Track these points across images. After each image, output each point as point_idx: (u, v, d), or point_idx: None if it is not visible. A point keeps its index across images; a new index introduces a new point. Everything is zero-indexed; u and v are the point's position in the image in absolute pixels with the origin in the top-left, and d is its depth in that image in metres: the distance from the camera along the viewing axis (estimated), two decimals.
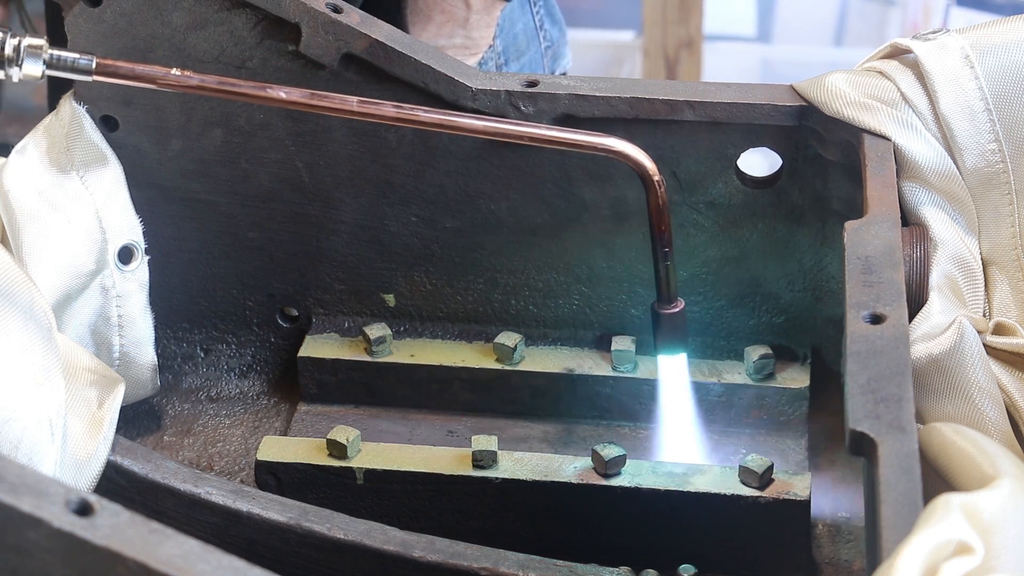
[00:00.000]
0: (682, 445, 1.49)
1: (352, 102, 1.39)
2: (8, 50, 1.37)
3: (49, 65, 1.38)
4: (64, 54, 1.38)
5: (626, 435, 1.51)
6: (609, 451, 1.40)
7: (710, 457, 1.47)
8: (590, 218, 1.52)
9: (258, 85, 1.40)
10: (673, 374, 1.49)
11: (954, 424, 1.12)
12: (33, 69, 1.38)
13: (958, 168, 1.39)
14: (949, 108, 1.38)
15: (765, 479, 1.38)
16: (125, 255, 1.49)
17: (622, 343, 1.52)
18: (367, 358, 1.55)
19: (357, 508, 1.42)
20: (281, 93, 1.39)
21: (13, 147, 1.47)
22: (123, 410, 1.41)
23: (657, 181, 1.39)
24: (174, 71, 1.39)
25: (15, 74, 1.38)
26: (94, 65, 1.38)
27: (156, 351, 1.52)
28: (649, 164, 1.39)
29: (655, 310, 1.45)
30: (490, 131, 1.41)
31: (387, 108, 1.40)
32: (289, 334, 1.60)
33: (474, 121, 1.41)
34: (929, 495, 1.00)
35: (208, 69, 1.48)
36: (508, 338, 1.53)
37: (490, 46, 1.94)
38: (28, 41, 1.37)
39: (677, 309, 1.45)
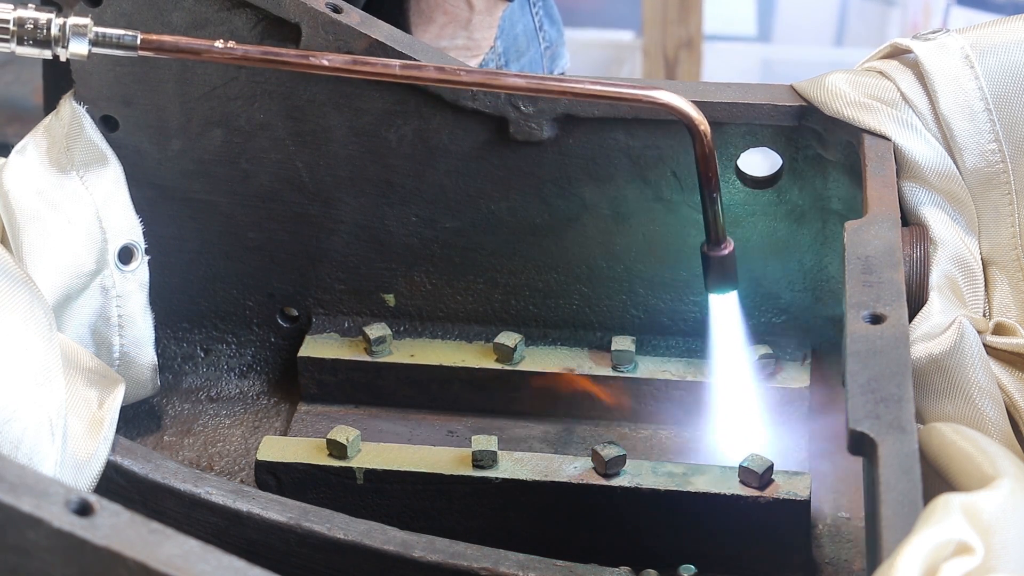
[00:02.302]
0: (737, 384, 1.49)
1: (394, 66, 1.39)
2: (54, 30, 1.37)
3: (95, 43, 1.38)
4: (109, 31, 1.38)
5: (626, 435, 1.51)
6: (609, 451, 1.40)
7: (765, 400, 1.48)
8: (590, 218, 1.52)
9: (301, 54, 1.40)
10: (724, 311, 1.48)
11: (954, 424, 1.13)
12: (79, 48, 1.37)
13: (958, 168, 1.39)
14: (949, 108, 1.38)
15: (765, 479, 1.38)
16: (125, 255, 1.49)
17: (622, 343, 1.52)
18: (367, 358, 1.55)
19: (357, 508, 1.42)
20: (324, 60, 1.39)
21: (13, 147, 1.47)
22: (123, 410, 1.41)
23: (703, 131, 1.38)
24: (218, 43, 1.39)
25: (62, 54, 1.37)
26: (139, 41, 1.38)
27: (156, 351, 1.52)
28: (696, 114, 1.39)
29: (705, 253, 1.44)
30: (533, 88, 1.41)
31: (429, 70, 1.40)
32: (289, 334, 1.60)
33: (516, 80, 1.41)
34: (929, 495, 1.00)
35: (208, 69, 1.48)
36: (508, 338, 1.53)
37: (491, 47, 1.94)
38: (73, 20, 1.37)
39: (727, 251, 1.44)
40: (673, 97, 1.39)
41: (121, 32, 1.38)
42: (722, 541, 1.39)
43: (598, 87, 1.41)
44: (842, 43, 4.19)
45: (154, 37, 1.38)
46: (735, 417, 1.49)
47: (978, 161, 1.39)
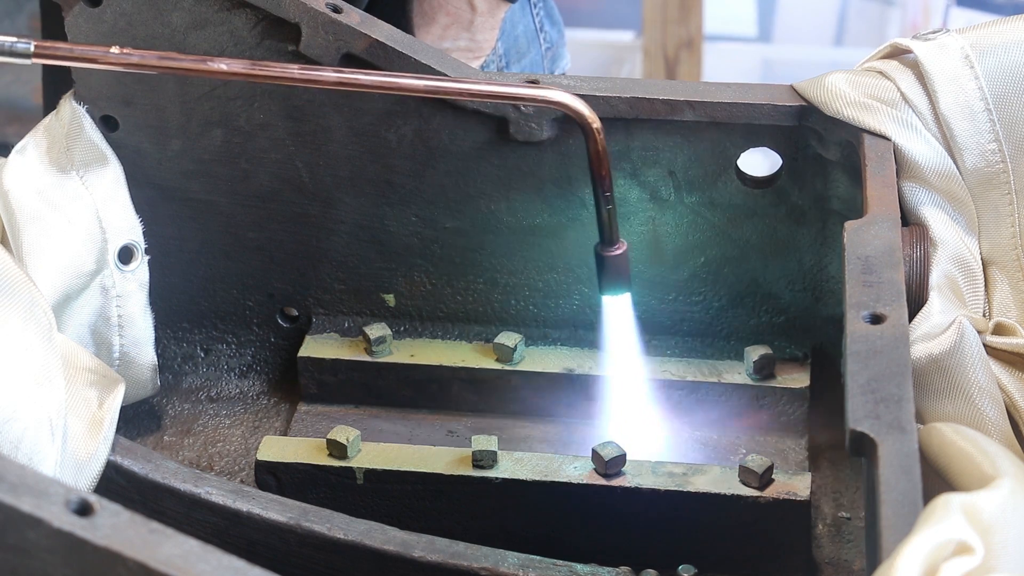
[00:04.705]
0: (630, 379, 1.50)
1: (293, 70, 1.40)
2: None
3: None
4: (1, 39, 1.37)
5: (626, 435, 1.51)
6: (609, 451, 1.40)
7: (655, 394, 1.49)
8: (590, 218, 1.52)
9: (199, 58, 1.40)
10: (618, 313, 1.50)
11: (954, 424, 1.13)
12: None
13: (958, 168, 1.39)
14: (949, 108, 1.38)
15: (765, 479, 1.38)
16: (125, 255, 1.49)
17: None
18: (367, 358, 1.55)
19: (357, 508, 1.42)
20: (222, 65, 1.39)
21: (13, 147, 1.47)
22: (123, 410, 1.41)
23: (596, 129, 1.40)
24: (114, 49, 1.38)
25: None
26: (32, 48, 1.37)
27: (156, 351, 1.52)
28: (588, 112, 1.41)
29: (598, 253, 1.46)
30: (431, 90, 1.42)
31: (328, 73, 1.40)
32: (289, 334, 1.60)
33: (414, 81, 1.41)
34: (929, 495, 1.00)
35: None
36: (508, 338, 1.53)
37: (492, 49, 1.94)
38: None
39: (620, 251, 1.46)
40: (566, 96, 1.41)
41: (13, 39, 1.37)
42: (722, 541, 1.39)
43: (494, 88, 1.42)
44: (842, 43, 4.19)
45: (48, 44, 1.38)
46: (627, 416, 1.49)
47: (978, 161, 1.39)
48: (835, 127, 1.42)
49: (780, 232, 1.51)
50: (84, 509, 0.97)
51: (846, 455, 1.12)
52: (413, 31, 1.88)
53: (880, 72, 1.42)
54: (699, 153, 1.48)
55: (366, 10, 1.55)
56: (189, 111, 1.51)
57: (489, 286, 1.57)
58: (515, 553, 1.34)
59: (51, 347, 1.33)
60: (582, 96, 1.45)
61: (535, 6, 2.08)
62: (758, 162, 1.54)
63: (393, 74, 1.41)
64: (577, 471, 1.41)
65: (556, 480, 1.40)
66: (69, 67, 1.48)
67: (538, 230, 1.53)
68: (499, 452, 1.42)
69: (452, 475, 1.42)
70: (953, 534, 0.96)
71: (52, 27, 1.82)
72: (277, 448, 1.46)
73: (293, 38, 1.46)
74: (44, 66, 1.56)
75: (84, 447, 1.35)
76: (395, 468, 1.43)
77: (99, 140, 1.49)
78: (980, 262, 1.40)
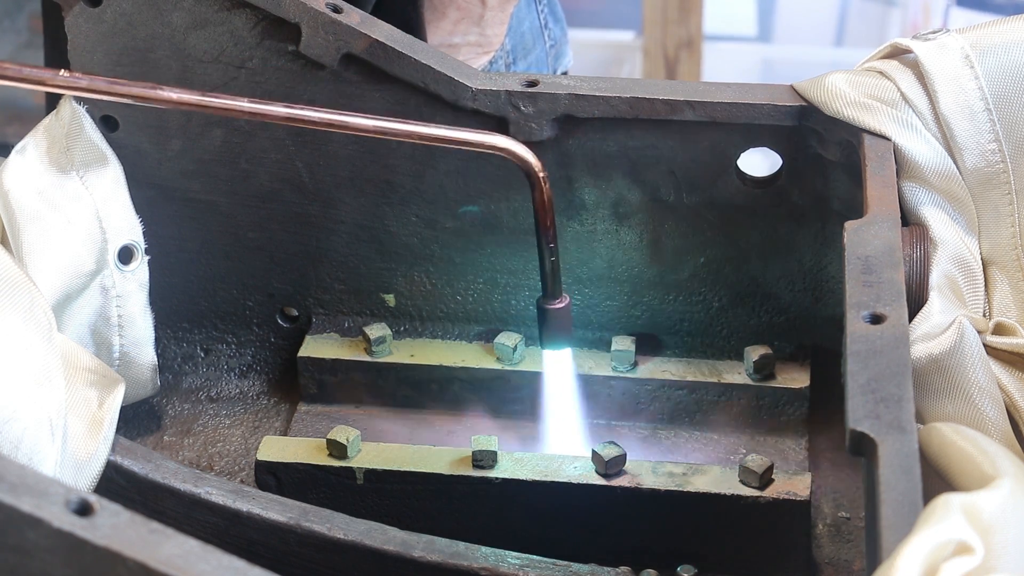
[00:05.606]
0: (567, 438, 1.50)
1: (243, 103, 1.39)
2: None
3: None
4: None
5: (626, 435, 1.51)
6: (609, 451, 1.40)
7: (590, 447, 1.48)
8: (590, 218, 1.52)
9: (150, 86, 1.39)
10: (559, 368, 1.50)
11: (954, 424, 1.13)
12: None
13: (958, 168, 1.39)
14: (949, 108, 1.38)
15: (765, 479, 1.38)
16: (125, 255, 1.49)
17: (622, 343, 1.52)
18: (367, 358, 1.55)
19: (357, 508, 1.42)
20: (172, 94, 1.39)
21: (13, 147, 1.47)
22: (123, 410, 1.41)
23: (542, 178, 1.40)
24: (62, 72, 1.38)
25: None
26: None
27: (156, 351, 1.52)
28: (533, 160, 1.40)
29: (540, 305, 1.46)
30: (381, 131, 1.41)
31: (277, 108, 1.40)
32: (289, 334, 1.60)
33: (364, 120, 1.41)
34: (929, 495, 1.00)
35: (208, 69, 1.48)
36: (508, 338, 1.53)
37: (500, 44, 1.94)
38: None
39: (562, 304, 1.45)
40: (512, 143, 1.40)
41: None
42: (722, 541, 1.39)
43: (442, 132, 1.41)
44: (842, 43, 4.20)
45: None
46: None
47: (978, 161, 1.39)
48: (835, 127, 1.42)
49: (780, 232, 1.51)
50: (84, 509, 0.97)
51: (846, 455, 1.12)
52: (423, 26, 1.88)
53: (880, 72, 1.42)
54: (699, 153, 1.48)
55: (376, 4, 1.55)
56: (189, 111, 1.51)
57: (489, 286, 1.57)
58: (515, 553, 1.34)
59: (51, 347, 1.33)
60: (581, 96, 1.45)
61: (539, 3, 2.08)
62: (758, 162, 1.54)
63: (343, 112, 1.41)
64: (577, 471, 1.41)
65: (556, 480, 1.40)
66: (69, 66, 1.48)
67: None
68: (499, 452, 1.42)
69: (452, 475, 1.42)
70: (953, 534, 0.96)
71: (52, 27, 1.83)
72: (277, 448, 1.46)
73: (293, 38, 1.46)
74: (47, 65, 1.55)
75: (84, 447, 1.35)
76: (395, 468, 1.43)
77: (99, 140, 1.49)
78: (980, 262, 1.39)
